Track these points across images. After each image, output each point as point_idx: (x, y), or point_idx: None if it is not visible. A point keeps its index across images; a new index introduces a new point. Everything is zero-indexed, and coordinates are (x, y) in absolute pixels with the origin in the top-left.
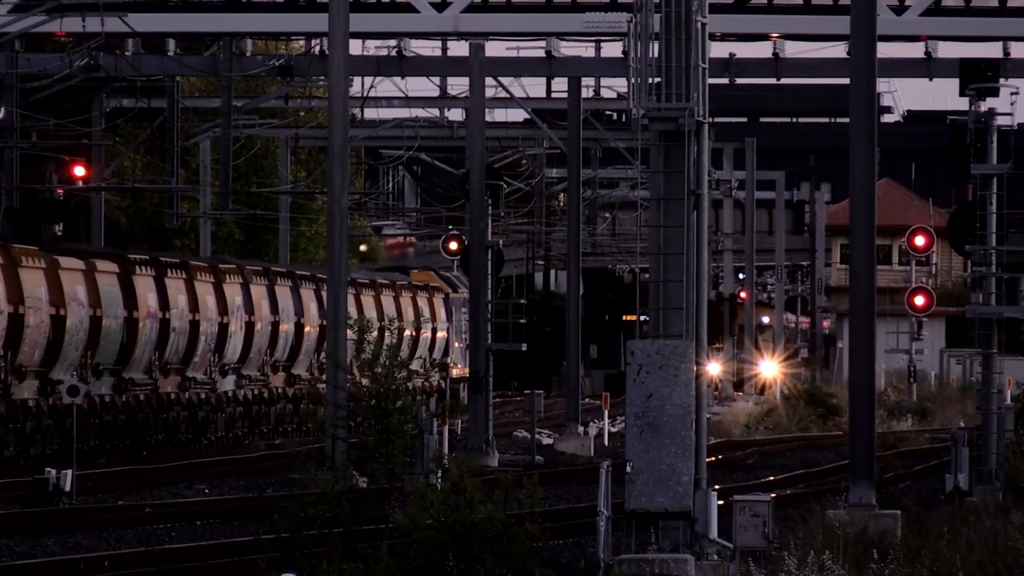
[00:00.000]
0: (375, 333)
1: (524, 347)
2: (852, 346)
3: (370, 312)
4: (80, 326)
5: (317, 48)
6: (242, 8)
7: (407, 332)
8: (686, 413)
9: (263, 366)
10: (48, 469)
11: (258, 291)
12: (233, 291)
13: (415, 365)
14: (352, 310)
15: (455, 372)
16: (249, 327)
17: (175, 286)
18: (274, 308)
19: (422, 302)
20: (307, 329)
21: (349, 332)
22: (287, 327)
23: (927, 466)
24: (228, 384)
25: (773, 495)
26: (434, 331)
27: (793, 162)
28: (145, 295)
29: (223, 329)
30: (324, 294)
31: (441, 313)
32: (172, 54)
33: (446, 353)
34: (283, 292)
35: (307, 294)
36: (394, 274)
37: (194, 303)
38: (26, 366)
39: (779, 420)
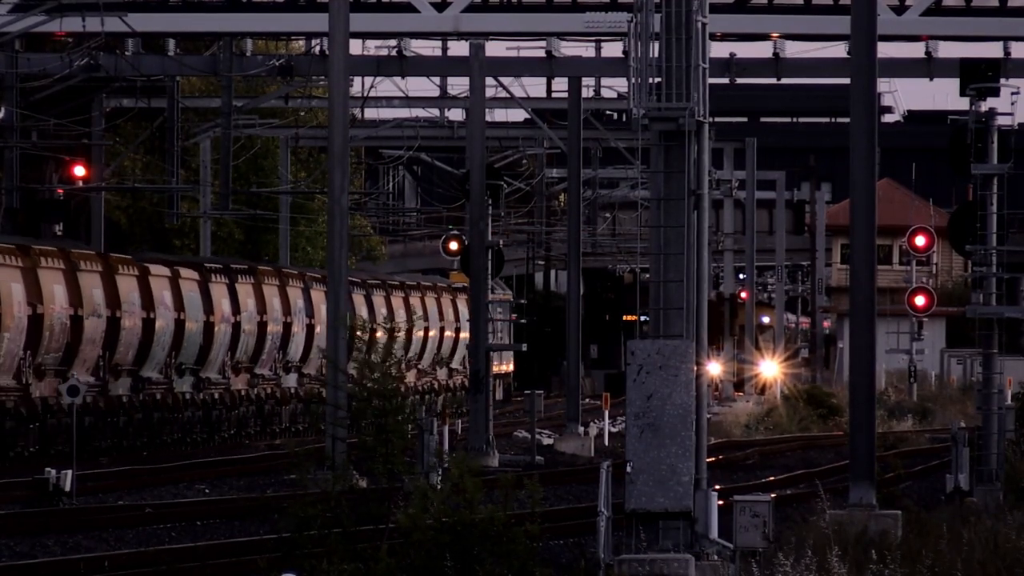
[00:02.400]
0: (420, 333)
1: (524, 347)
2: (852, 346)
3: (418, 312)
4: (167, 329)
5: (317, 48)
6: (242, 8)
7: (447, 333)
8: (686, 413)
9: (322, 367)
10: (48, 469)
11: (317, 296)
12: (295, 294)
13: (455, 363)
14: (401, 312)
15: (492, 369)
16: (309, 329)
17: (245, 291)
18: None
19: (461, 304)
20: (359, 333)
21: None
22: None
23: (927, 466)
24: (291, 381)
25: (773, 495)
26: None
27: (793, 162)
28: (220, 300)
29: (287, 328)
30: (373, 299)
31: None
32: (172, 54)
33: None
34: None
35: (358, 299)
36: (434, 276)
37: (261, 305)
38: (121, 365)
39: (779, 420)
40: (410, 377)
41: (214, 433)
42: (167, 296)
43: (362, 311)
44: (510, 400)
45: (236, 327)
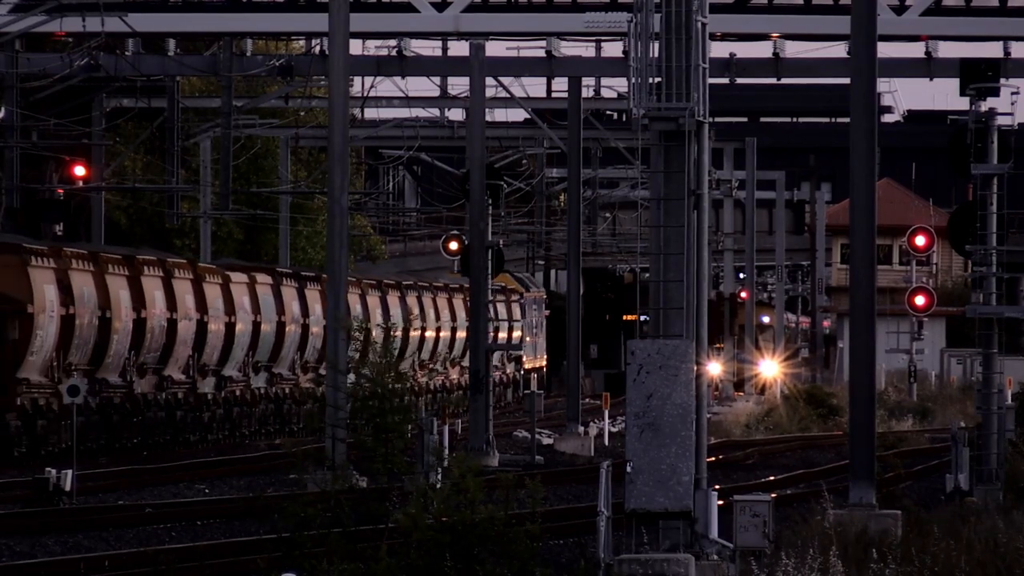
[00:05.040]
0: (463, 333)
1: (521, 346)
2: (852, 346)
3: (460, 313)
4: (246, 331)
5: (317, 48)
6: (242, 8)
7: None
8: (686, 413)
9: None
10: (48, 469)
11: (373, 301)
12: (353, 300)
13: (495, 360)
14: (446, 312)
15: (527, 364)
16: (367, 334)
17: (312, 296)
18: (386, 315)
19: (500, 304)
20: (412, 333)
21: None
22: (397, 333)
23: (927, 466)
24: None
25: (773, 495)
26: (510, 329)
27: (793, 162)
28: (290, 303)
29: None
30: (435, 300)
31: (516, 312)
32: (172, 54)
33: (519, 348)
34: (393, 301)
35: (411, 300)
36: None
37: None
38: (207, 365)
39: (779, 420)
40: (454, 373)
41: (285, 425)
42: (246, 301)
43: (415, 311)
44: None
45: (305, 328)
